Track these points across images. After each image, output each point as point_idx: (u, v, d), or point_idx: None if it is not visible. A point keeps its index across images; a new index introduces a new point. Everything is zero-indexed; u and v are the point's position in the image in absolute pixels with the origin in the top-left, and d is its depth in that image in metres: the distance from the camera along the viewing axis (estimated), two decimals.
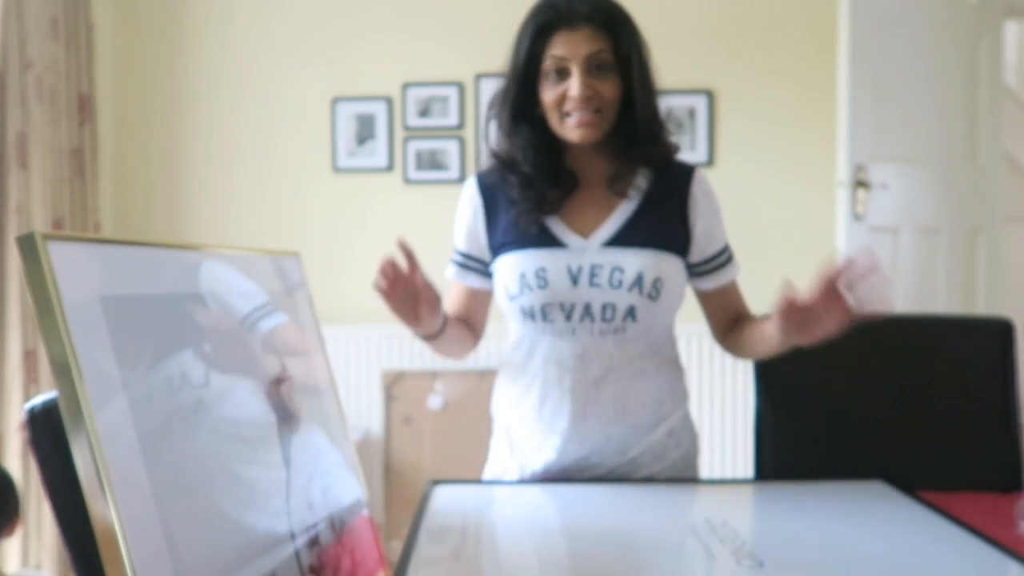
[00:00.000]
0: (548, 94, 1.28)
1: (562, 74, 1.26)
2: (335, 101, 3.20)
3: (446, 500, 1.22)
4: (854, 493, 1.27)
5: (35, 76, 2.67)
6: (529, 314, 1.30)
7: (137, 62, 3.27)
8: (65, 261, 0.70)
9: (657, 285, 1.30)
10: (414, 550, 1.01)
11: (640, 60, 1.31)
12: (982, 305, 3.10)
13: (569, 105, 1.26)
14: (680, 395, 1.43)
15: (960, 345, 1.59)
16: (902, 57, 2.90)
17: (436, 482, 1.30)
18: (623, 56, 1.29)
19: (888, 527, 1.11)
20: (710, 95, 3.16)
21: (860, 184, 2.81)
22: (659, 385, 1.37)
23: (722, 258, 1.41)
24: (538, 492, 1.33)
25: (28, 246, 0.68)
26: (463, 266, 1.40)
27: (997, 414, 1.53)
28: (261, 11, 3.23)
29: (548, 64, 1.27)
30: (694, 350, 3.08)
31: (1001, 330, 1.56)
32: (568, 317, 1.29)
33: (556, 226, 1.32)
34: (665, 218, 1.33)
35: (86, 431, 0.67)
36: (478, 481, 1.40)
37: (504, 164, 1.34)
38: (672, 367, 1.42)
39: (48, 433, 0.86)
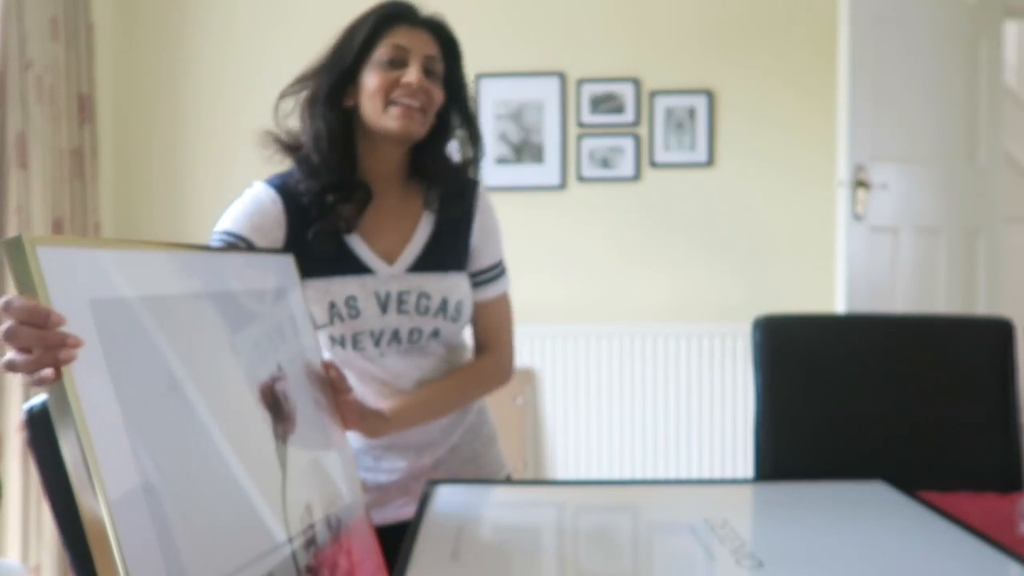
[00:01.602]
0: (377, 79, 1.27)
1: (396, 64, 1.28)
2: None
3: (446, 500, 1.22)
4: (854, 493, 1.26)
5: (35, 76, 2.67)
6: (339, 342, 1.32)
7: (137, 62, 3.27)
8: (54, 265, 0.70)
9: (459, 308, 1.34)
10: (414, 550, 1.01)
11: (465, 88, 1.36)
12: (982, 305, 3.10)
13: (399, 92, 1.27)
14: None
15: (960, 345, 1.59)
16: (902, 57, 2.90)
17: (436, 482, 1.30)
18: (451, 76, 1.33)
19: (888, 527, 1.11)
20: (710, 95, 3.16)
21: (860, 184, 2.81)
22: None
23: (492, 272, 1.42)
24: (538, 492, 1.33)
25: (16, 251, 0.68)
26: (232, 246, 1.28)
27: (997, 414, 1.53)
28: (261, 11, 3.23)
29: (384, 51, 1.28)
30: (694, 349, 3.08)
31: (1001, 330, 1.56)
32: (377, 343, 1.32)
33: (360, 248, 1.32)
34: (457, 238, 1.37)
35: (76, 434, 0.67)
36: (478, 481, 1.40)
37: (286, 147, 1.33)
38: (469, 356, 1.47)
39: (47, 433, 0.86)
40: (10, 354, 0.70)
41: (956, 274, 3.05)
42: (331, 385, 1.20)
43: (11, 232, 2.61)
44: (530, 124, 3.18)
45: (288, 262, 1.22)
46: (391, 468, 1.39)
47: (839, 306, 2.85)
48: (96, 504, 0.67)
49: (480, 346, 1.44)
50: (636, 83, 3.16)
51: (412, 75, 1.26)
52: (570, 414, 3.12)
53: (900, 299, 2.93)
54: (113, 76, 3.24)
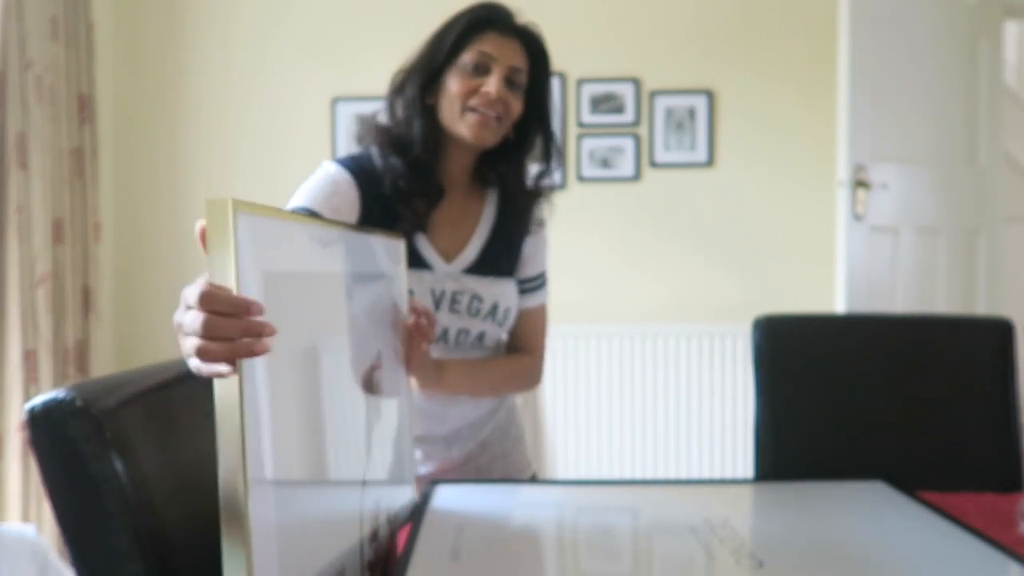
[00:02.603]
0: (458, 84, 1.28)
1: (480, 70, 1.28)
2: (335, 101, 3.20)
3: (446, 500, 1.22)
4: (854, 493, 1.26)
5: (35, 76, 2.67)
6: None
7: (137, 62, 3.27)
8: (245, 233, 0.68)
9: (507, 313, 1.37)
10: (414, 550, 1.01)
11: (547, 102, 1.36)
12: (982, 305, 3.10)
13: (477, 100, 1.27)
14: None
15: (960, 345, 1.59)
16: (902, 57, 2.90)
17: (436, 482, 1.30)
18: (534, 89, 1.33)
19: (888, 527, 1.11)
20: (710, 95, 3.16)
21: (860, 184, 2.81)
22: None
23: (537, 282, 1.46)
24: (538, 492, 1.33)
25: (219, 213, 0.66)
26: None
27: (997, 414, 1.53)
28: (261, 11, 3.23)
29: (470, 56, 1.27)
30: (694, 349, 3.08)
31: (1001, 330, 1.56)
32: None
33: (422, 244, 1.33)
34: (511, 245, 1.40)
35: (239, 400, 0.66)
36: (478, 481, 1.40)
37: (397, 146, 1.31)
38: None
39: (48, 433, 0.86)
40: (197, 342, 0.65)
41: (956, 274, 3.05)
42: (415, 327, 1.14)
43: (12, 232, 2.61)
44: None
45: (400, 246, 1.20)
46: (420, 460, 1.40)
47: (839, 306, 2.85)
48: (239, 471, 0.66)
49: (515, 349, 1.46)
50: (636, 83, 3.16)
51: (492, 85, 1.26)
52: (570, 414, 3.12)
53: (900, 299, 2.93)
54: (113, 76, 3.24)
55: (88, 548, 0.88)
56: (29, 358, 2.65)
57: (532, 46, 1.32)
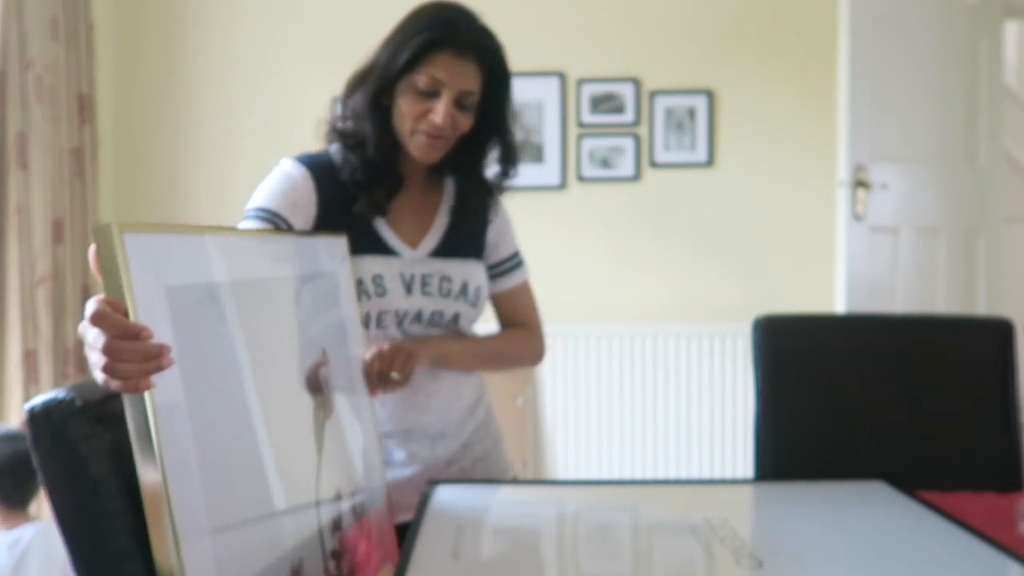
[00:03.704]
0: (408, 106, 1.29)
1: (430, 94, 1.28)
2: (335, 101, 3.19)
3: (446, 500, 1.22)
4: (854, 493, 1.27)
5: (35, 76, 2.67)
6: (363, 321, 1.32)
7: (137, 62, 3.27)
8: (138, 252, 0.70)
9: (478, 293, 1.40)
10: (414, 550, 1.01)
11: (505, 114, 1.37)
12: (982, 305, 3.10)
13: (424, 126, 1.29)
14: (482, 376, 1.52)
15: (960, 345, 1.59)
16: (902, 57, 2.90)
17: (436, 482, 1.30)
18: (491, 103, 1.34)
19: (888, 527, 1.11)
20: (710, 95, 3.16)
21: (860, 184, 2.81)
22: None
23: (512, 262, 1.49)
24: (538, 492, 1.33)
25: (105, 236, 0.68)
26: (269, 222, 1.28)
27: (997, 414, 1.53)
28: (261, 11, 3.23)
29: (421, 80, 1.27)
30: (694, 349, 3.08)
31: (1001, 330, 1.56)
32: (400, 324, 1.34)
33: (386, 232, 1.36)
34: (474, 228, 1.43)
35: (144, 417, 0.69)
36: (478, 481, 1.40)
37: (351, 144, 1.34)
38: None
39: (48, 433, 0.86)
40: (101, 359, 0.69)
41: (956, 274, 3.05)
42: (370, 372, 1.22)
43: (12, 232, 2.61)
44: (530, 124, 3.18)
45: (341, 244, 1.24)
46: (404, 461, 1.38)
47: (839, 306, 2.85)
48: (159, 480, 0.69)
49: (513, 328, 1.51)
50: (636, 83, 3.16)
51: (438, 114, 1.27)
52: (570, 414, 3.12)
53: (900, 299, 2.93)
54: (113, 76, 3.24)
55: (88, 548, 0.88)
56: (29, 358, 2.65)
57: (487, 63, 1.31)
